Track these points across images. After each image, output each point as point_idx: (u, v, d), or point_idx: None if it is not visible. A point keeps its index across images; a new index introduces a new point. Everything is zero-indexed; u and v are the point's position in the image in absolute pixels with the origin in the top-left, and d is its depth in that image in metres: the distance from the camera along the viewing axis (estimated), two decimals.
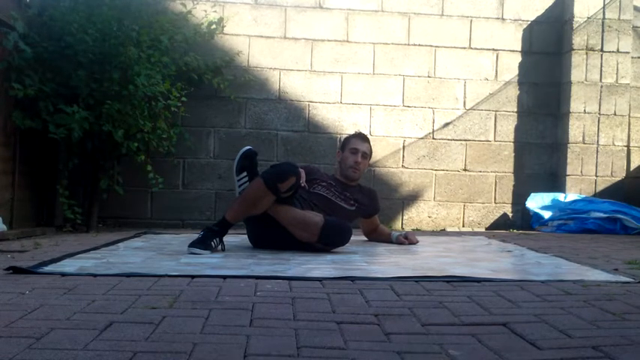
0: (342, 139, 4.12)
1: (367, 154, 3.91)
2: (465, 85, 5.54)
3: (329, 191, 3.73)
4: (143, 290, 2.14)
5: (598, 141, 5.45)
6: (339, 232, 3.39)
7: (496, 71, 5.57)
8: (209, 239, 3.23)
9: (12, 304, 1.90)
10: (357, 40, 5.47)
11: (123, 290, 2.14)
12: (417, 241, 3.97)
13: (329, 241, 3.37)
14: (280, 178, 3.28)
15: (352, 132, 5.39)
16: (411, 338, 1.59)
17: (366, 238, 4.15)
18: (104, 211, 5.06)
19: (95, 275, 2.44)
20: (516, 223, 5.55)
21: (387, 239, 4.02)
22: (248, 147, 3.48)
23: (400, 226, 5.48)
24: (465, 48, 5.54)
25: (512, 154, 5.59)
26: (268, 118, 5.39)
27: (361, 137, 3.96)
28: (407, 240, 3.94)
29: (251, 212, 3.37)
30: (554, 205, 5.27)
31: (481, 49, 5.55)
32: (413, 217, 5.52)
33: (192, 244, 3.19)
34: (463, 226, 5.53)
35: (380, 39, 5.50)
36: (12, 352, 1.38)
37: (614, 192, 5.42)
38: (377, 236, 4.11)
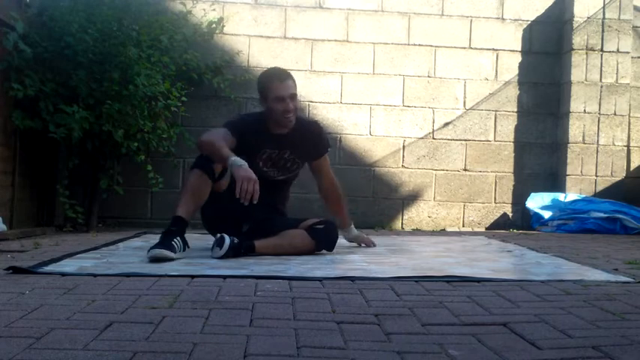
0: (258, 84, 3.37)
1: (294, 94, 3.26)
2: (465, 85, 5.54)
3: (267, 167, 3.37)
4: (143, 290, 2.14)
5: (598, 141, 5.45)
6: (331, 237, 3.30)
7: (496, 71, 5.57)
8: (169, 240, 2.99)
9: (12, 304, 1.90)
10: (357, 40, 5.47)
11: (123, 290, 2.14)
12: (374, 244, 3.70)
13: (324, 247, 3.32)
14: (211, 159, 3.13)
15: (352, 131, 5.44)
16: (411, 338, 1.59)
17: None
18: (104, 211, 5.06)
19: (95, 275, 2.44)
20: (516, 223, 5.55)
21: (341, 223, 3.63)
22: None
23: (400, 226, 5.48)
24: (464, 48, 5.54)
25: (512, 154, 5.59)
26: None
27: (279, 76, 3.26)
28: (364, 244, 3.68)
29: (199, 203, 3.19)
30: (554, 205, 5.27)
31: (481, 49, 5.55)
32: (413, 217, 5.52)
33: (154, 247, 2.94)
34: (463, 226, 5.53)
35: (380, 39, 5.50)
36: (12, 352, 1.37)
37: (614, 192, 5.42)
38: (331, 202, 3.60)
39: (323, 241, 3.28)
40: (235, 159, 2.99)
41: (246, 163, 2.98)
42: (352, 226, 3.71)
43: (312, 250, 3.26)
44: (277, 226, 3.31)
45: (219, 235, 3.07)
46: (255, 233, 3.19)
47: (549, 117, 5.62)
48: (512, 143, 5.59)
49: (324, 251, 3.36)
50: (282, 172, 3.42)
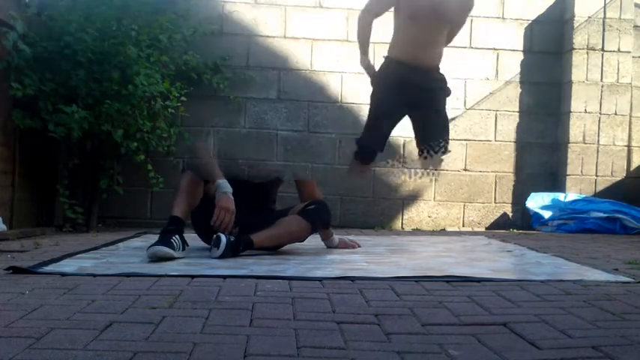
0: None
1: None
2: (465, 85, 5.54)
3: (246, 168, 3.49)
4: (143, 290, 2.14)
5: (598, 141, 5.45)
6: (324, 216, 3.35)
7: (496, 70, 5.57)
8: (168, 238, 3.01)
9: (12, 304, 1.90)
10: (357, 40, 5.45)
11: (123, 290, 2.14)
12: (359, 246, 3.68)
13: (319, 226, 3.38)
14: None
15: (351, 131, 5.43)
16: (411, 338, 1.59)
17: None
18: (104, 211, 5.06)
19: (95, 275, 2.44)
20: (516, 223, 5.55)
21: (323, 235, 3.59)
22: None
23: (400, 226, 5.48)
24: (465, 47, 5.53)
25: (513, 154, 5.59)
26: (268, 118, 5.39)
27: None
28: (349, 245, 3.63)
29: (193, 204, 3.24)
30: (554, 205, 5.27)
31: (481, 48, 5.55)
32: (413, 217, 5.52)
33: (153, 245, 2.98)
34: (463, 226, 5.53)
35: (380, 38, 5.48)
36: (12, 352, 1.37)
37: (614, 192, 5.42)
38: None
39: (317, 221, 3.30)
40: (222, 183, 3.13)
41: (231, 190, 3.11)
42: (334, 236, 3.62)
43: (309, 232, 3.26)
44: (270, 219, 3.31)
45: (215, 235, 3.07)
46: (248, 231, 3.19)
47: (550, 117, 5.62)
48: (512, 143, 5.58)
49: (323, 251, 3.35)
50: (259, 176, 3.46)
